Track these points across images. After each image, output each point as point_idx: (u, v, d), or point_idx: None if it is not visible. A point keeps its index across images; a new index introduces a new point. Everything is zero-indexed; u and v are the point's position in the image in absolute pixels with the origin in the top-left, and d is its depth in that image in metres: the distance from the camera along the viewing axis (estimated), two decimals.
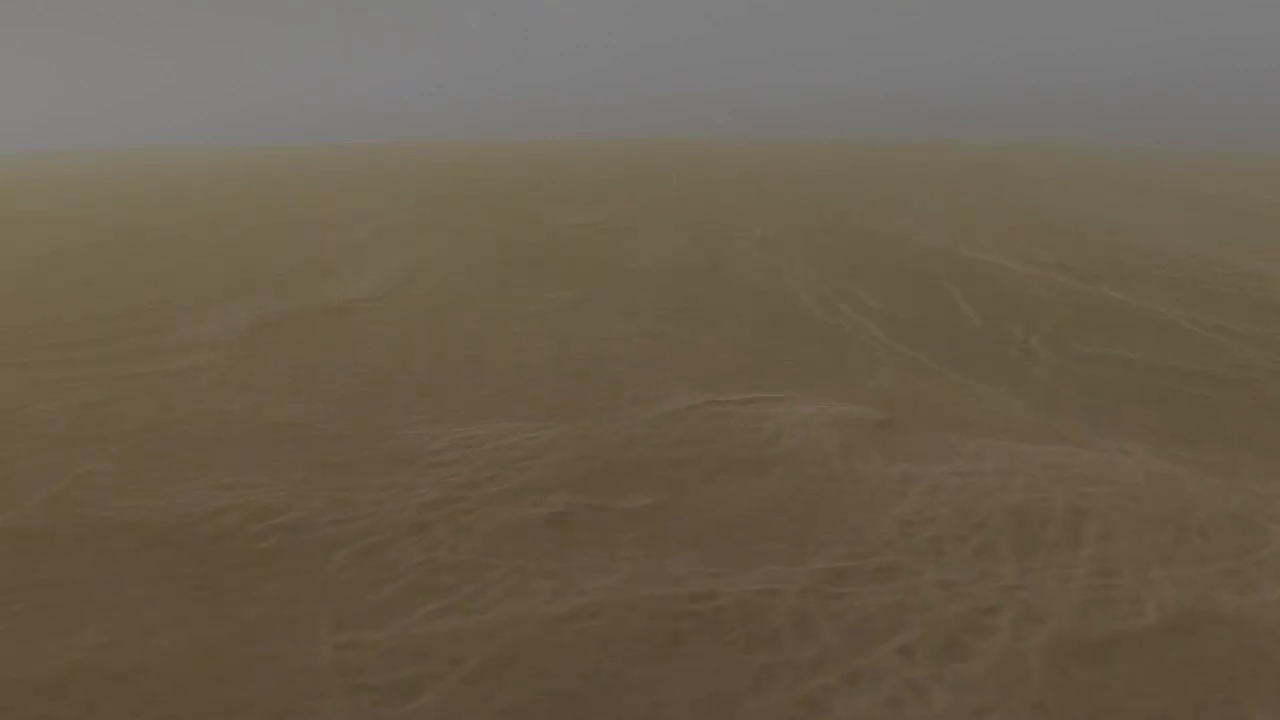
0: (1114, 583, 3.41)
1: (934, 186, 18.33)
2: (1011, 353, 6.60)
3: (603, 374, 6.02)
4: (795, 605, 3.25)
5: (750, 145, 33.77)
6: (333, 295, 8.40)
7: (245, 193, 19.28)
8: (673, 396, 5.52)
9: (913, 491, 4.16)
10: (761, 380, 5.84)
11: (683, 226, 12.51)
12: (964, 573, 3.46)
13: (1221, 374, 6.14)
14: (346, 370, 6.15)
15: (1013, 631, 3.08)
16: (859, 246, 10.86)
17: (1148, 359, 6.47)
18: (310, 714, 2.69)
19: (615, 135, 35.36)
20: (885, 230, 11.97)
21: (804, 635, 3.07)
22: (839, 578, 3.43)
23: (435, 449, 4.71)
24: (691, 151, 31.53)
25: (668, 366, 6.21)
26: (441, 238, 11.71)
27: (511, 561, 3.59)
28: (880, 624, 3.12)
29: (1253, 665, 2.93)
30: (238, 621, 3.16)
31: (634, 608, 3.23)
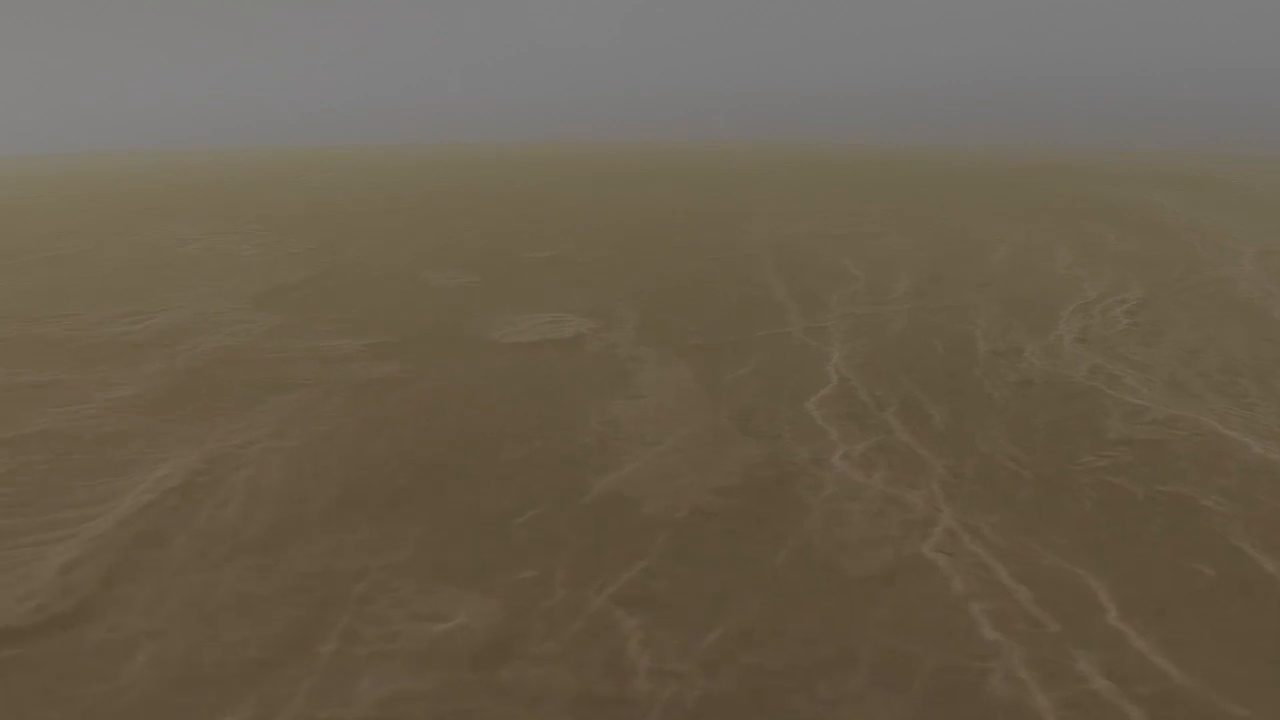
0: None
1: (1036, 245, 7.56)
2: None
3: None
4: None
5: (756, 148, 31.89)
6: None
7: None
8: None
9: None
10: None
11: (699, 349, 6.03)
12: None
13: None
14: None
15: None
16: (1024, 421, 4.56)
17: None
18: None
19: (615, 135, 37.92)
20: (1038, 363, 5.59)
21: None
22: None
23: None
24: (692, 153, 28.62)
25: None
26: (261, 404, 4.68)
27: None
28: None
29: None
30: None
31: None
